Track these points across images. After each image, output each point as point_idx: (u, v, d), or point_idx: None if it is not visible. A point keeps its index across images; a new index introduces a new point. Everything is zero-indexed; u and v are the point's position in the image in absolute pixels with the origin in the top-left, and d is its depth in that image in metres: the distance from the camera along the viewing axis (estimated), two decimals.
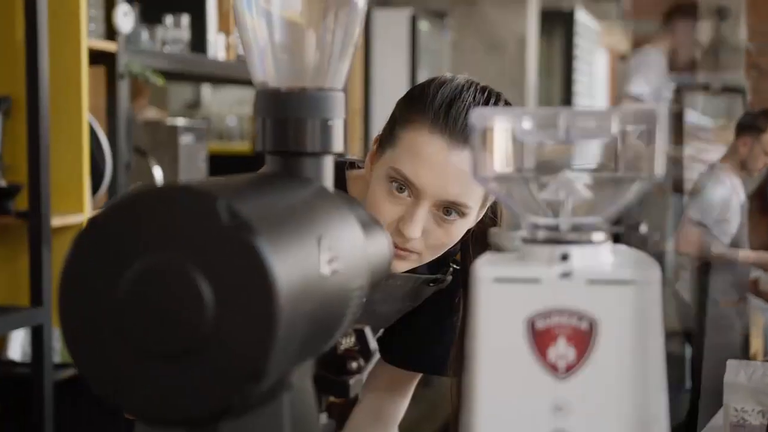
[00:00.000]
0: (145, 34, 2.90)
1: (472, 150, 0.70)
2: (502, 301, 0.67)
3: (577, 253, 0.67)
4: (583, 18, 7.51)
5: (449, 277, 1.41)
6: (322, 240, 0.67)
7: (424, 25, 4.94)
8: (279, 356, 0.60)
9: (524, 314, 0.67)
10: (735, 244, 4.49)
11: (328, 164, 0.79)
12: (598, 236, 0.69)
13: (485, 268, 0.67)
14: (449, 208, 1.24)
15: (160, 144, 3.04)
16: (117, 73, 2.60)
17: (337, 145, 0.79)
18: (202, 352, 0.59)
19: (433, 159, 1.22)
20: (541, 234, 0.69)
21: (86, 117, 2.46)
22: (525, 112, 0.69)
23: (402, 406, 1.51)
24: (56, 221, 2.38)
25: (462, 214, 1.25)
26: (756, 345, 3.91)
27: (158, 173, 2.91)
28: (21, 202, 2.36)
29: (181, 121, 3.13)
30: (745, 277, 4.58)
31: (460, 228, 1.27)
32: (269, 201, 0.66)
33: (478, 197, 1.26)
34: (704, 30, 4.68)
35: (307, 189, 0.74)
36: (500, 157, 0.70)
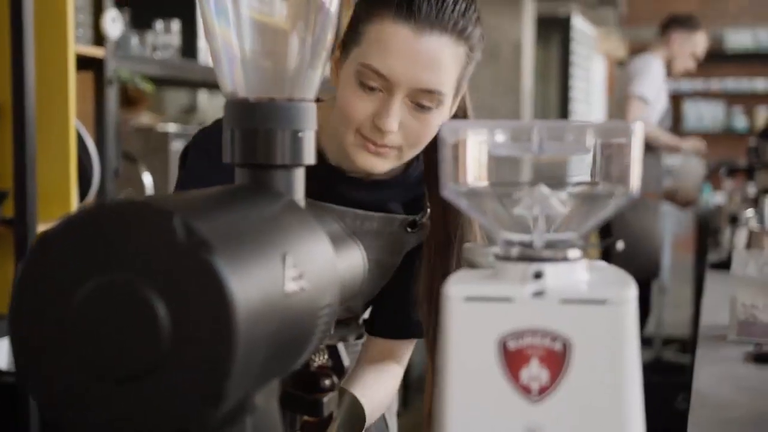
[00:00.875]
0: (135, 40, 2.88)
1: (443, 163, 0.67)
2: (473, 321, 0.65)
3: (551, 270, 0.65)
4: (579, 24, 7.50)
5: (427, 221, 1.40)
6: (287, 257, 0.65)
7: None
8: (239, 378, 0.58)
9: (496, 334, 0.64)
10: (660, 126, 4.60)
11: (299, 177, 0.77)
12: (574, 253, 0.67)
13: (456, 286, 0.65)
14: (422, 102, 1.23)
15: (152, 150, 3.02)
16: (105, 78, 2.57)
17: (308, 156, 0.77)
18: (158, 374, 0.57)
19: (401, 47, 1.20)
20: (515, 251, 0.67)
21: (73, 123, 2.43)
22: (497, 125, 0.67)
23: (399, 373, 1.47)
24: (42, 228, 2.36)
25: (437, 103, 1.23)
26: None
27: (148, 180, 2.88)
28: (7, 209, 2.33)
29: (172, 127, 3.11)
30: (662, 174, 4.69)
31: (436, 119, 1.25)
32: (232, 217, 0.64)
33: (451, 84, 1.24)
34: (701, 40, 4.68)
35: (276, 203, 0.72)
36: (472, 171, 0.68)
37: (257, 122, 0.75)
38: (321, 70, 0.79)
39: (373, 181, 1.38)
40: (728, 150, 9.66)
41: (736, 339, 1.79)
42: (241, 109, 0.76)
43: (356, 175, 1.38)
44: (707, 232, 4.78)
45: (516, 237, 0.68)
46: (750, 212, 2.99)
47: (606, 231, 3.99)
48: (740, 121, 9.91)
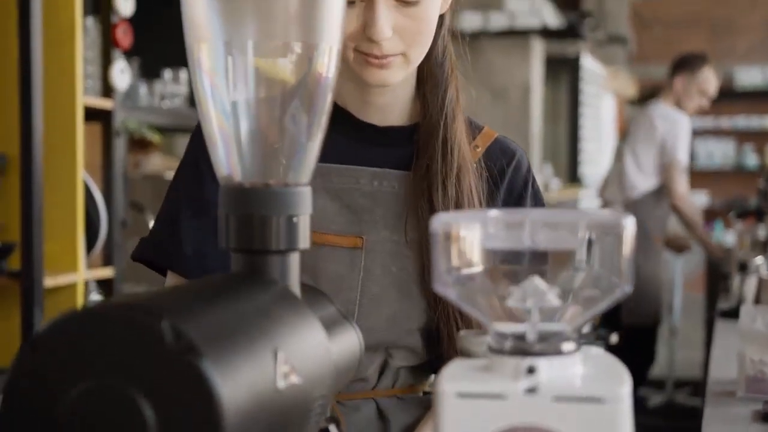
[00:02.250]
0: (143, 89, 2.90)
1: (434, 254, 0.67)
2: (466, 417, 0.64)
3: (544, 365, 0.65)
4: (588, 63, 7.52)
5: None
6: (278, 352, 0.65)
7: None
8: None
9: (489, 431, 0.64)
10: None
11: (294, 262, 0.77)
12: (568, 346, 0.66)
13: (449, 382, 0.65)
14: None
15: (161, 198, 3.02)
16: (113, 130, 2.59)
17: (304, 241, 0.77)
18: None
19: None
20: (507, 344, 0.66)
21: (81, 175, 2.44)
22: (489, 217, 0.67)
23: None
24: (49, 281, 2.36)
25: None
26: None
27: None
28: (14, 262, 2.34)
29: None
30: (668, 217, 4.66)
31: (428, 9, 1.16)
32: (222, 314, 0.63)
33: None
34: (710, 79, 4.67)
35: (268, 293, 0.72)
36: (463, 262, 0.68)
37: (252, 208, 0.75)
38: (316, 152, 0.79)
39: (391, 127, 1.28)
40: (739, 188, 9.65)
41: (745, 396, 1.77)
42: (236, 195, 0.76)
43: (370, 120, 1.27)
44: (717, 275, 4.76)
45: (509, 329, 0.67)
46: (759, 259, 2.97)
47: None
48: (751, 159, 9.90)
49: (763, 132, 9.83)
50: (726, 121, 9.91)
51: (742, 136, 9.95)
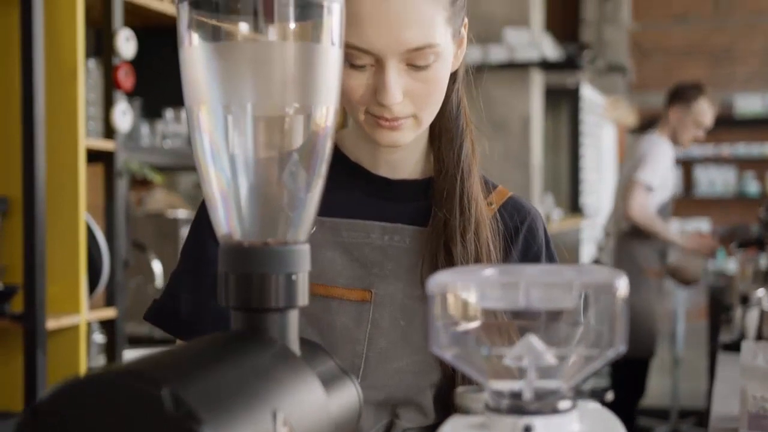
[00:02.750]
0: (145, 129, 2.92)
1: (430, 315, 0.68)
2: None
3: (540, 424, 0.65)
4: (588, 93, 7.56)
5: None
6: (277, 413, 0.65)
7: None
8: None
9: None
10: (661, 213, 4.53)
11: (293, 319, 0.78)
12: (564, 404, 0.67)
13: None
14: (417, 63, 1.13)
15: (163, 236, 3.04)
16: (115, 171, 2.60)
17: (302, 298, 0.78)
18: None
19: (371, 15, 1.10)
20: (504, 402, 0.67)
21: (83, 217, 2.46)
22: (485, 278, 0.68)
23: None
24: (51, 323, 2.37)
25: (434, 57, 1.13)
26: None
27: (158, 267, 2.90)
28: (16, 304, 2.35)
29: (182, 213, 3.14)
30: (665, 251, 4.63)
31: (439, 71, 1.15)
32: (220, 378, 0.64)
33: (441, 31, 1.14)
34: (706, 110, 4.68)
35: (267, 352, 0.72)
36: (459, 322, 0.68)
37: (251, 267, 0.76)
38: (315, 210, 0.80)
39: (403, 181, 1.26)
40: (741, 215, 9.67)
41: None
42: (236, 254, 0.77)
43: (382, 174, 1.27)
44: (719, 306, 4.75)
45: (505, 386, 0.68)
46: (761, 291, 2.97)
47: None
48: (752, 186, 9.92)
49: (764, 159, 9.86)
50: (727, 149, 9.95)
51: (743, 164, 9.98)
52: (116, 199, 2.61)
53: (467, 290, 0.68)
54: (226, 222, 0.79)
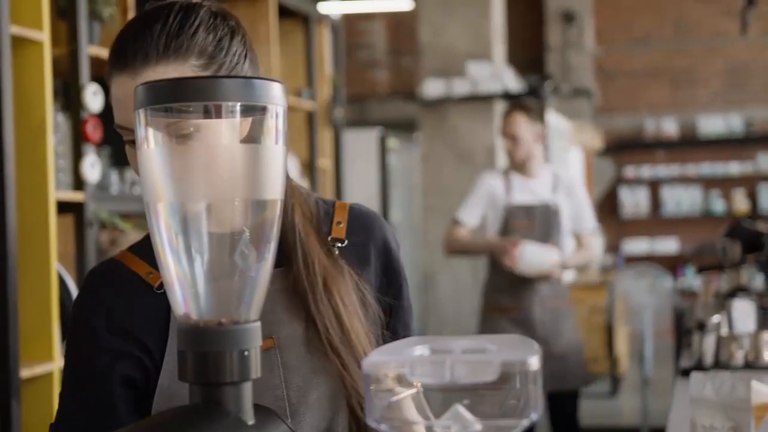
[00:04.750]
0: (114, 176, 2.99)
1: (366, 394, 0.76)
2: None
3: None
4: (554, 120, 7.68)
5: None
6: None
7: (393, 142, 5.05)
8: None
9: None
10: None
11: (247, 391, 0.86)
12: None
13: None
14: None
15: None
16: (85, 221, 2.67)
17: (255, 371, 0.86)
18: None
19: (126, 94, 1.16)
20: None
21: (54, 267, 2.52)
22: (414, 358, 0.76)
23: None
24: (25, 372, 2.42)
25: (194, 128, 1.13)
26: None
27: None
28: None
29: None
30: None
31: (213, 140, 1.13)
32: None
33: None
34: None
35: (222, 424, 0.80)
36: (393, 397, 0.77)
37: (207, 345, 0.84)
38: (265, 287, 0.88)
39: None
40: (708, 233, 9.83)
41: None
42: (193, 334, 0.85)
43: None
44: (683, 326, 4.83)
45: None
46: (717, 318, 3.06)
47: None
48: (718, 205, 10.09)
49: (729, 178, 10.04)
50: (692, 169, 10.13)
51: (709, 183, 10.16)
52: (87, 248, 2.67)
53: (399, 369, 0.76)
54: (183, 304, 0.87)
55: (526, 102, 4.30)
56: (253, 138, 0.86)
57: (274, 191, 0.86)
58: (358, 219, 1.35)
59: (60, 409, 1.27)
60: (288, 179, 1.32)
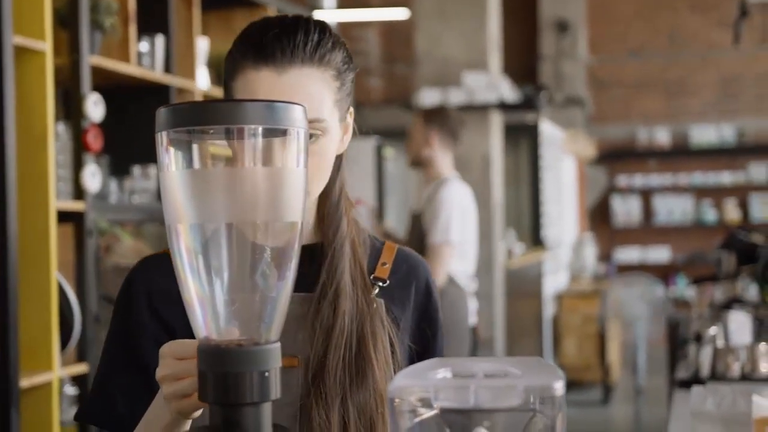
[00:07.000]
0: (113, 186, 2.99)
1: (391, 413, 0.77)
2: None
3: None
4: (547, 129, 7.70)
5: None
6: None
7: (389, 152, 5.06)
8: None
9: None
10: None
11: (266, 412, 0.86)
12: None
13: None
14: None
15: None
16: (85, 230, 2.67)
17: (275, 392, 0.86)
18: None
19: (266, 89, 1.20)
20: None
21: (54, 276, 2.52)
22: (437, 382, 0.76)
23: None
24: (24, 382, 2.42)
25: (321, 131, 1.22)
26: None
27: None
28: None
29: None
30: None
31: (326, 145, 1.23)
32: None
33: (329, 110, 1.23)
34: None
35: None
36: (417, 417, 0.77)
37: (227, 366, 0.85)
38: (284, 311, 0.89)
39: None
40: (699, 242, 9.86)
41: None
42: (213, 355, 0.85)
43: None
44: (677, 336, 4.84)
45: None
46: (713, 330, 3.07)
47: None
48: (710, 214, 10.12)
49: (720, 188, 10.07)
50: (684, 178, 10.15)
51: (700, 193, 10.18)
52: (86, 257, 2.67)
53: (424, 392, 0.77)
54: (204, 325, 0.87)
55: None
56: (273, 160, 0.87)
57: (294, 213, 0.87)
58: (404, 261, 1.36)
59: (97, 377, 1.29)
60: (347, 200, 1.33)
